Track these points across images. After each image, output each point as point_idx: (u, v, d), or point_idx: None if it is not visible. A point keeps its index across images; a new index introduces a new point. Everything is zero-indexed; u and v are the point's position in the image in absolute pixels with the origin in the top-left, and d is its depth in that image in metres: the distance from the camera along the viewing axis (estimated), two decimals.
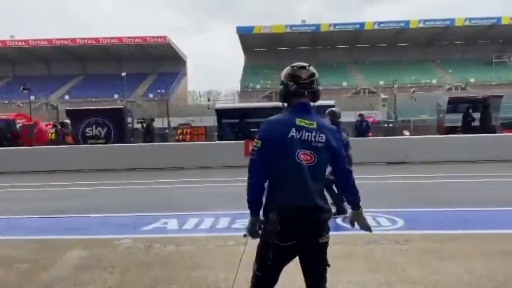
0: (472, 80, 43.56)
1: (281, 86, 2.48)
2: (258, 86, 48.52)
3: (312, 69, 2.48)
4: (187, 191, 9.29)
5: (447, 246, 4.49)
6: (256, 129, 13.68)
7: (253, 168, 2.37)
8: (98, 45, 49.83)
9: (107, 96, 43.81)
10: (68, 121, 16.72)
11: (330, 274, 3.76)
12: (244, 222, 5.86)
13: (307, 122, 2.31)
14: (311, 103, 2.45)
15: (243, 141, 14.18)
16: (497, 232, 4.93)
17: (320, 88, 2.49)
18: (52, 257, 4.41)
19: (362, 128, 16.22)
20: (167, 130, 22.26)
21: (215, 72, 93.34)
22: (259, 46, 52.84)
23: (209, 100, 41.76)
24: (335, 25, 48.48)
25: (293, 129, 2.28)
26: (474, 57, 48.37)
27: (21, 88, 33.97)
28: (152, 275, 3.94)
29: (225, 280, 3.72)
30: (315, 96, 2.45)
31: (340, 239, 4.84)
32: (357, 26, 48.21)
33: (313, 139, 2.28)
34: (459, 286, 3.47)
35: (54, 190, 9.70)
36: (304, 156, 2.25)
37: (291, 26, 49.35)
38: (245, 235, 5.14)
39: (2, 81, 51.75)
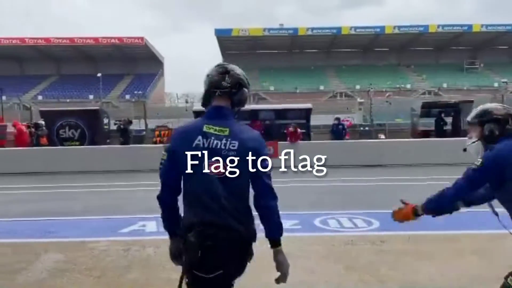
0: (444, 85, 44.84)
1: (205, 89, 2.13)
2: None
3: (230, 67, 2.12)
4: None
5: (422, 246, 4.63)
6: None
7: (160, 182, 2.05)
8: (73, 45, 48.75)
9: (82, 97, 42.95)
10: (42, 122, 16.29)
11: (307, 274, 3.84)
12: None
13: (217, 128, 1.97)
14: (234, 108, 2.09)
15: None
16: (469, 232, 5.12)
17: (244, 90, 2.11)
18: (27, 260, 4.32)
19: (338, 131, 16.49)
20: (144, 132, 21.93)
21: (192, 74, 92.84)
22: (237, 49, 52.87)
23: (187, 102, 41.41)
24: (312, 29, 49.02)
25: (199, 137, 1.95)
26: (447, 63, 49.85)
27: None
28: (131, 278, 3.92)
29: None
30: (234, 97, 2.07)
31: (318, 241, 4.94)
32: (334, 30, 48.90)
33: (223, 147, 1.94)
34: (432, 285, 3.60)
35: (27, 193, 9.45)
36: (213, 166, 1.91)
37: (269, 30, 49.62)
38: None
39: None
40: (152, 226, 5.78)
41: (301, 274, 3.86)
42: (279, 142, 13.81)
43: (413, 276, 3.77)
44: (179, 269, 3.95)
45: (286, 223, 5.86)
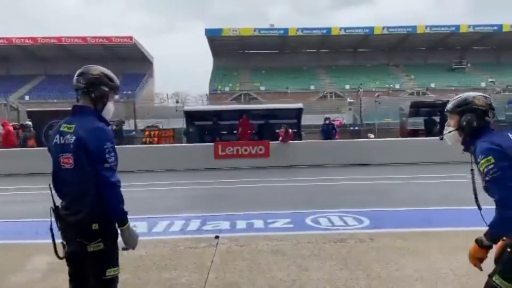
0: (433, 85, 45.32)
1: None
2: (227, 89, 48.44)
3: (84, 69, 2.47)
4: (156, 194, 9.21)
5: (410, 243, 4.71)
6: (226, 132, 13.76)
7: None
8: (61, 44, 48.23)
9: (70, 97, 42.27)
10: (29, 123, 16.10)
11: (300, 272, 3.89)
12: (215, 223, 5.93)
13: (68, 126, 2.31)
14: (98, 106, 2.37)
15: (212, 144, 14.19)
16: (456, 229, 5.21)
17: (105, 89, 2.40)
18: (19, 262, 4.30)
19: (328, 131, 16.60)
20: (134, 132, 21.83)
21: (182, 74, 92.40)
22: (228, 49, 52.81)
23: (177, 102, 41.24)
24: (302, 29, 49.18)
25: (57, 136, 2.33)
26: (435, 63, 50.36)
27: None
28: (122, 279, 3.90)
29: (198, 280, 3.76)
30: (97, 98, 2.37)
31: (309, 238, 4.99)
32: (324, 31, 49.12)
33: (69, 142, 2.26)
34: (420, 280, 3.67)
35: (15, 194, 9.36)
36: (64, 160, 2.28)
37: (260, 30, 49.64)
38: (216, 237, 5.20)
39: None
40: (143, 227, 5.77)
41: (294, 272, 3.91)
42: (270, 142, 13.88)
43: (402, 272, 3.84)
44: (169, 269, 3.95)
45: (278, 222, 5.94)
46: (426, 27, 47.51)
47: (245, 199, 8.35)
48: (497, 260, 2.17)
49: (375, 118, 25.44)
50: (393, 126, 22.24)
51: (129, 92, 45.73)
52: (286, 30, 49.24)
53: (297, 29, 49.06)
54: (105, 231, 2.27)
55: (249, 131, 16.33)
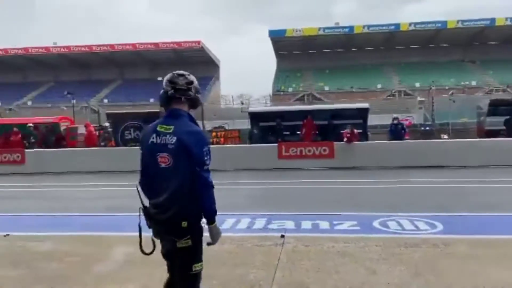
0: None
1: (162, 92, 2.53)
2: (290, 89, 48.50)
3: (190, 77, 2.58)
4: (222, 192, 9.43)
5: (492, 251, 4.39)
6: (289, 132, 13.73)
7: None
8: (135, 50, 51.43)
9: (143, 100, 45.07)
10: (107, 124, 17.38)
11: (369, 276, 3.80)
12: (280, 222, 5.98)
13: (166, 127, 2.41)
14: (190, 109, 2.53)
15: (276, 144, 14.29)
16: None
17: (198, 96, 2.57)
18: (101, 252, 4.67)
19: (397, 131, 15.93)
20: None
21: (247, 75, 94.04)
22: (291, 49, 52.82)
23: (242, 103, 42.08)
24: (369, 26, 47.79)
25: (154, 135, 2.43)
26: None
27: (66, 92, 35.71)
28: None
29: (265, 278, 3.83)
30: (193, 103, 2.54)
31: (377, 242, 4.85)
32: (392, 27, 47.33)
33: (167, 142, 2.37)
34: None
35: (99, 190, 10.14)
36: (161, 159, 2.37)
37: (324, 29, 49.06)
38: (282, 236, 5.24)
39: (45, 86, 54.30)
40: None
41: (362, 275, 3.83)
42: (335, 143, 13.66)
43: (479, 281, 3.60)
44: (237, 264, 4.02)
45: (344, 224, 5.84)
46: (506, 19, 43.82)
47: (309, 199, 8.31)
48: None
49: (449, 118, 23.98)
50: (470, 126, 20.78)
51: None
52: (351, 28, 48.18)
53: (363, 26, 47.79)
54: (193, 228, 2.39)
55: (313, 132, 16.20)
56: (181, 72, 2.61)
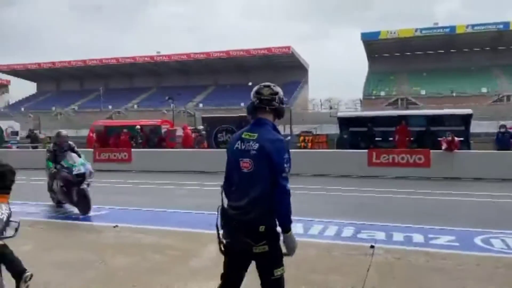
0: None
1: (249, 102, 2.70)
2: (382, 93, 46.59)
3: (276, 88, 2.70)
4: (310, 198, 9.44)
5: None
6: (380, 138, 13.17)
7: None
8: (228, 57, 53.79)
9: (235, 105, 46.87)
10: (201, 127, 18.41)
11: None
12: (370, 232, 5.84)
13: (250, 134, 2.57)
14: (275, 119, 2.69)
15: (366, 151, 13.87)
16: None
17: (283, 106, 2.70)
18: (197, 248, 5.04)
19: (504, 140, 14.42)
20: (289, 137, 22.83)
21: (336, 79, 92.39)
22: (385, 52, 50.76)
23: (330, 108, 41.60)
24: (473, 26, 43.94)
25: (239, 142, 2.59)
26: None
27: (166, 98, 38.72)
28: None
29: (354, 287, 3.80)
30: (278, 113, 2.69)
31: (479, 261, 4.51)
32: (500, 26, 42.93)
33: (250, 148, 2.51)
34: None
35: (195, 189, 10.84)
36: (243, 164, 2.52)
37: (422, 30, 46.28)
38: (372, 246, 5.13)
39: (149, 91, 59.44)
40: (299, 228, 6.03)
41: None
42: (431, 151, 12.84)
43: None
44: (326, 272, 4.01)
45: (441, 239, 5.52)
46: None
47: (401, 210, 7.95)
48: None
49: None
50: None
51: (286, 99, 47.99)
52: (453, 28, 44.79)
53: (467, 26, 44.12)
54: (269, 234, 2.48)
55: (407, 139, 15.41)
56: (267, 83, 2.76)
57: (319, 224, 6.30)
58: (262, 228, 2.45)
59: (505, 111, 29.79)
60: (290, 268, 4.29)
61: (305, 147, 19.90)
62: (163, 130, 20.36)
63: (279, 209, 2.47)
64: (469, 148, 14.81)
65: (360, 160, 13.30)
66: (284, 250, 2.55)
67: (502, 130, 14.72)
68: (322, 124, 25.29)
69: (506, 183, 10.83)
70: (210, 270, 4.30)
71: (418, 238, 5.57)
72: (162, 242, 5.36)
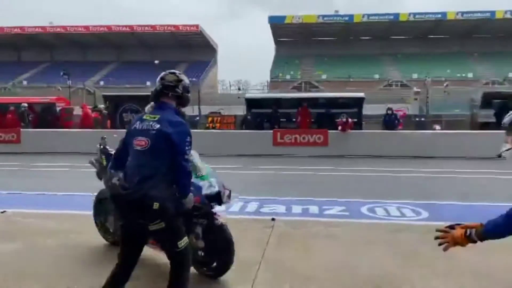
0: (511, 75, 41.91)
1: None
2: (288, 77, 48.42)
3: (181, 76, 2.81)
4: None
5: None
6: (285, 119, 13.74)
7: None
8: (132, 32, 50.96)
9: (140, 83, 44.89)
10: (102, 106, 17.40)
11: (351, 257, 3.98)
12: (272, 206, 6.16)
13: (151, 116, 2.65)
14: (179, 107, 2.76)
15: (271, 131, 14.43)
16: None
17: (188, 95, 2.80)
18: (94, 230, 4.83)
19: (391, 122, 16.09)
20: (198, 118, 22.69)
21: (245, 61, 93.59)
22: (290, 36, 52.55)
23: (239, 89, 42.12)
24: (369, 15, 47.57)
25: (138, 122, 2.68)
26: None
27: (62, 73, 35.47)
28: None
29: (255, 257, 4.01)
30: (181, 100, 2.77)
31: (366, 226, 5.04)
32: (392, 17, 47.14)
33: (149, 128, 2.59)
34: (480, 273, 3.61)
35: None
36: (137, 142, 2.60)
37: (324, 16, 48.78)
38: (273, 219, 5.41)
39: (41, 66, 53.83)
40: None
41: (345, 257, 4.01)
42: (329, 131, 13.82)
43: (453, 263, 3.77)
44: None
45: (333, 209, 6.03)
46: (505, 12, 43.82)
47: (301, 185, 8.49)
48: None
49: (443, 109, 24.18)
50: (463, 118, 20.98)
51: (194, 79, 47.39)
52: (351, 16, 47.94)
53: (363, 15, 47.55)
54: (164, 211, 2.51)
55: (308, 120, 16.34)
56: (173, 71, 2.85)
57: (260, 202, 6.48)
58: (156, 205, 2.47)
59: (393, 96, 33.10)
60: None
61: (213, 128, 20.01)
62: (57, 109, 18.76)
63: (183, 187, 2.64)
64: (361, 129, 16.25)
65: (265, 140, 13.81)
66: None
67: (389, 112, 16.37)
68: (231, 106, 25.53)
69: (392, 160, 12.17)
70: (108, 252, 4.19)
71: (314, 209, 6.03)
72: (54, 227, 5.02)
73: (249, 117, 18.05)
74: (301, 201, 6.51)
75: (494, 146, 12.44)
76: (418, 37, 50.03)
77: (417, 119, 23.20)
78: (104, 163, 4.30)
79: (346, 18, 48.15)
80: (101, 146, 4.53)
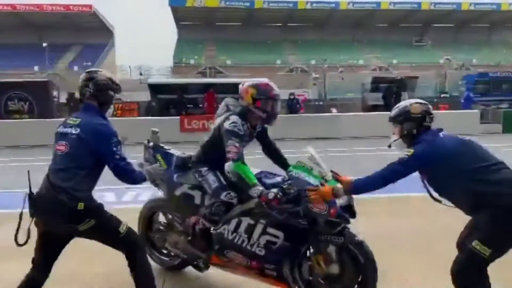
0: (395, 61, 46.61)
1: None
2: (192, 62, 47.67)
3: (92, 74, 2.72)
4: None
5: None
6: (192, 105, 13.68)
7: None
8: (15, 11, 45.46)
9: (26, 68, 40.48)
10: None
11: None
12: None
13: (74, 119, 2.62)
14: (104, 106, 2.72)
15: (178, 117, 14.21)
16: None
17: (102, 93, 2.67)
18: None
19: (293, 106, 16.96)
20: None
21: (145, 44, 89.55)
22: (193, 20, 51.61)
23: (140, 74, 40.17)
24: (269, 2, 48.74)
25: (61, 126, 2.65)
26: (398, 39, 51.58)
27: None
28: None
29: None
30: (96, 98, 2.68)
31: None
32: (291, 4, 48.92)
33: (69, 132, 2.55)
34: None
35: None
36: (59, 147, 2.56)
37: (226, 1, 48.73)
38: None
39: None
40: (112, 197, 5.87)
41: None
42: None
43: None
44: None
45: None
46: (389, 3, 48.36)
47: None
48: None
49: (339, 93, 26.10)
50: (356, 101, 22.92)
51: (89, 63, 44.11)
52: (252, 2, 48.62)
53: (264, 2, 48.56)
54: (91, 210, 2.49)
55: (215, 105, 16.41)
56: (90, 69, 2.83)
57: (132, 191, 6.28)
58: (81, 206, 2.44)
59: (295, 81, 34.66)
60: None
61: (114, 116, 19.00)
62: None
63: (132, 183, 2.73)
64: None
65: (172, 126, 13.56)
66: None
67: (292, 97, 17.23)
68: (133, 92, 24.40)
69: (295, 142, 12.81)
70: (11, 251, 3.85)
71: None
72: None
73: (153, 103, 17.53)
74: None
75: (383, 126, 13.91)
76: (315, 25, 52.77)
77: (316, 103, 24.72)
78: (164, 166, 3.39)
79: (248, 4, 48.72)
80: (152, 143, 3.70)
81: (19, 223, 2.47)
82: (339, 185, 2.63)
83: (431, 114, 2.56)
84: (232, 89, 17.84)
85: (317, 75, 32.53)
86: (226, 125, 3.09)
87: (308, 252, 2.82)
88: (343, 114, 16.96)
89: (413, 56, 47.61)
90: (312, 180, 2.67)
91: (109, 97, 2.70)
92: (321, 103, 24.43)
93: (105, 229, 2.57)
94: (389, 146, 2.75)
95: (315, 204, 2.57)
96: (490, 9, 48.84)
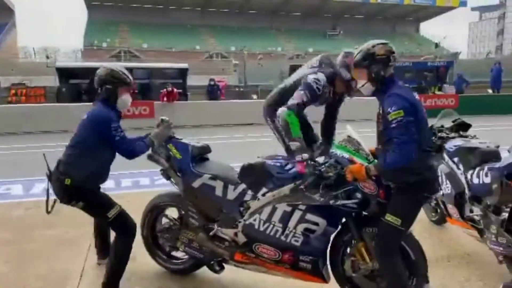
0: (310, 50, 48.50)
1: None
2: (104, 45, 44.95)
3: (101, 70, 3.12)
4: (28, 157, 8.50)
5: None
6: None
7: None
8: None
9: None
10: None
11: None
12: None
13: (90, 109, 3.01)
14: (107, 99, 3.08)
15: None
16: None
17: (109, 86, 3.06)
18: None
19: (214, 92, 16.92)
20: None
21: (51, 26, 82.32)
22: (104, 0, 48.54)
23: (47, 57, 36.81)
24: None
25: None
26: (312, 29, 53.71)
27: None
28: (3, 238, 3.83)
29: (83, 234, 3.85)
30: (107, 93, 3.10)
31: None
32: None
33: (83, 117, 2.96)
34: None
35: None
36: (75, 130, 2.95)
37: None
38: None
39: None
40: (19, 189, 5.50)
41: None
42: (155, 102, 13.64)
43: None
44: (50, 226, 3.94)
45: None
46: None
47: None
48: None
49: (259, 80, 26.50)
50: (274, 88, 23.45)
51: None
52: None
53: None
54: (78, 191, 2.74)
55: (131, 91, 15.76)
56: (101, 67, 3.13)
57: (41, 183, 5.86)
58: (67, 181, 2.68)
59: (215, 67, 34.46)
60: (16, 230, 3.86)
61: (18, 102, 17.43)
62: None
63: (140, 153, 2.98)
64: (187, 99, 16.59)
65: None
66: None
67: (212, 83, 17.15)
68: (39, 76, 22.39)
69: (217, 128, 12.86)
70: None
71: (144, 181, 6.06)
72: None
73: (64, 89, 16.31)
74: (131, 174, 6.41)
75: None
76: (234, 11, 52.77)
77: (237, 89, 24.86)
78: (178, 156, 3.05)
79: None
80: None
81: (47, 195, 2.83)
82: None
83: (394, 52, 2.48)
84: (151, 74, 17.29)
85: (237, 62, 32.68)
86: (310, 77, 3.22)
87: (348, 247, 2.62)
88: (264, 100, 17.32)
89: (327, 45, 49.98)
90: (360, 161, 2.48)
91: (109, 91, 2.96)
92: (241, 89, 24.64)
93: (93, 213, 2.91)
94: (357, 90, 2.72)
95: (364, 184, 2.44)
96: (395, 2, 52.90)
